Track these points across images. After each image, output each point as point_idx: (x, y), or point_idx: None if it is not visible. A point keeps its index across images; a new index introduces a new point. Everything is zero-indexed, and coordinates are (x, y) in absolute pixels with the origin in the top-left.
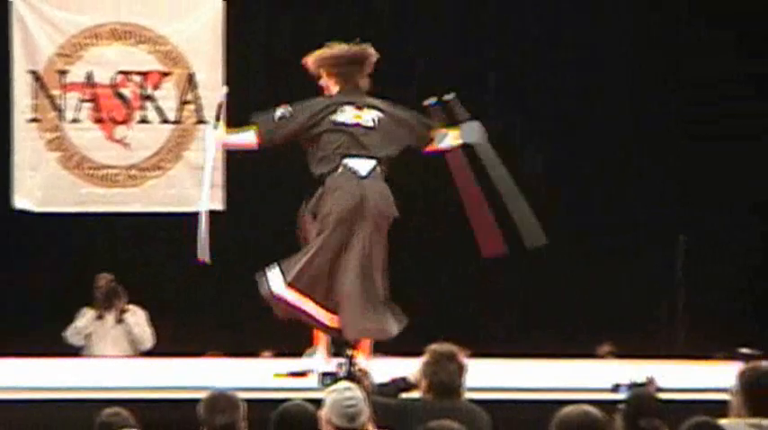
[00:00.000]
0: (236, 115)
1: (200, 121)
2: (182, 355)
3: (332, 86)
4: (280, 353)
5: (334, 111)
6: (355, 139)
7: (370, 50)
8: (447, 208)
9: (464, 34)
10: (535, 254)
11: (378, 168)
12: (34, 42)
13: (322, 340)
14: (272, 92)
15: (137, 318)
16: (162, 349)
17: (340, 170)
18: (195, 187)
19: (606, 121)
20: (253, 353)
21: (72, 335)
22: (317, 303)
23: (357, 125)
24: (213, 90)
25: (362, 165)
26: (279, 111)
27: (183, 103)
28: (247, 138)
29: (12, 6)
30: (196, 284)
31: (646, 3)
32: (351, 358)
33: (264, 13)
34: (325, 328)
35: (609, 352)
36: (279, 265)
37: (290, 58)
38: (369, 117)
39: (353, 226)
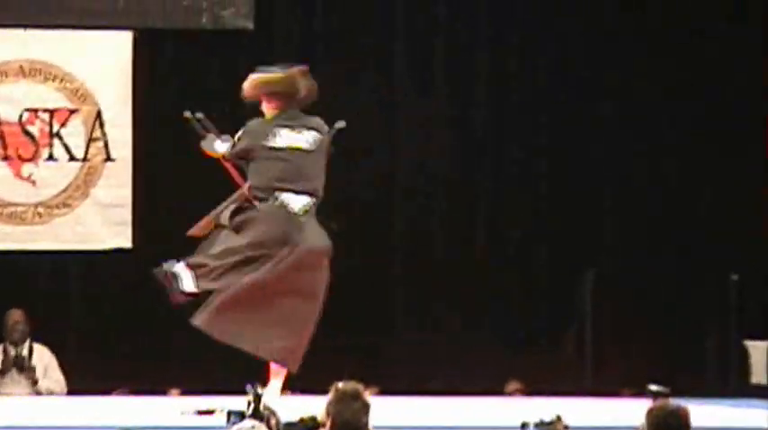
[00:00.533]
0: (143, 151)
1: (108, 159)
2: (90, 393)
3: (270, 110)
4: (187, 391)
5: (271, 135)
6: (292, 167)
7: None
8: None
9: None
10: (439, 288)
11: (312, 205)
12: None
13: (279, 374)
14: (180, 130)
15: (50, 369)
16: (70, 387)
17: (271, 202)
18: (102, 225)
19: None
20: (160, 390)
21: None
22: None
23: (294, 150)
24: (121, 127)
25: (296, 201)
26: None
27: (91, 140)
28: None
29: None
30: (103, 321)
31: None
32: (258, 396)
33: (173, 49)
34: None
35: (517, 389)
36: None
37: (199, 93)
38: (304, 139)
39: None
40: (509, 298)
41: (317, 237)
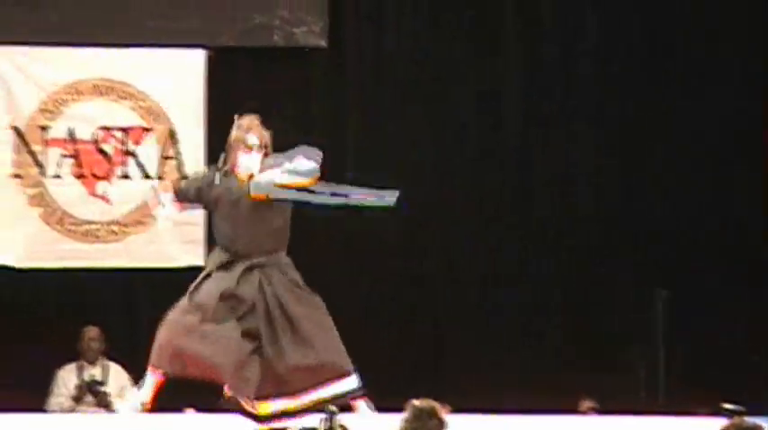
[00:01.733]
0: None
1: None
2: (162, 411)
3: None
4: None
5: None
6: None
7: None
8: (420, 263)
9: None
10: (512, 308)
11: None
12: (16, 98)
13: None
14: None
15: (121, 384)
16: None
17: None
18: (175, 243)
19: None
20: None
21: (61, 403)
22: None
23: None
24: (194, 146)
25: None
26: None
27: (165, 158)
28: None
29: None
30: None
31: None
32: (332, 415)
33: (246, 67)
34: None
35: (590, 407)
36: None
37: (272, 111)
38: None
39: None
40: (582, 315)
41: None
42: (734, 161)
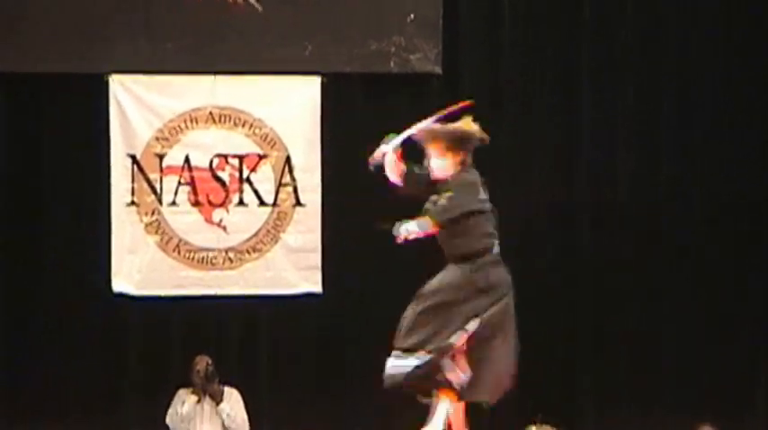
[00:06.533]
0: (332, 196)
1: (298, 204)
2: None
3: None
4: None
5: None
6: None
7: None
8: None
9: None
10: (623, 323)
11: None
12: (132, 126)
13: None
14: (368, 174)
15: (233, 402)
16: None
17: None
18: (292, 269)
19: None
20: None
21: (174, 421)
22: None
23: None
24: (310, 172)
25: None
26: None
27: (281, 185)
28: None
29: (110, 91)
30: (294, 367)
31: None
32: None
33: (361, 94)
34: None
35: None
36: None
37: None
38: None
39: None
40: (702, 342)
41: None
42: None
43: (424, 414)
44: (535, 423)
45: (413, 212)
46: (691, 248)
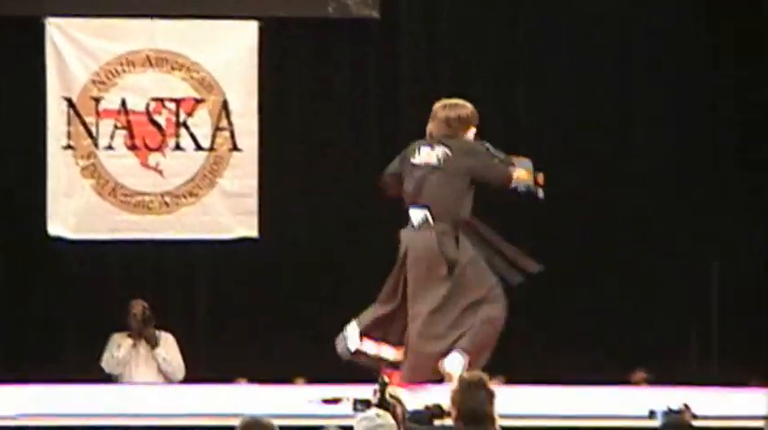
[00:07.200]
0: (269, 141)
1: (234, 148)
2: (212, 382)
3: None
4: (313, 380)
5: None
6: (419, 184)
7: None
8: None
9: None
10: (566, 279)
11: (428, 218)
12: (69, 70)
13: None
14: (306, 120)
15: (168, 347)
16: (192, 376)
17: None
18: (229, 214)
19: (645, 140)
20: (286, 379)
21: (110, 364)
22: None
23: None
24: (247, 117)
25: (416, 215)
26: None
27: (218, 129)
28: None
29: (46, 34)
30: (229, 311)
31: None
32: (384, 385)
33: (298, 38)
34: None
35: (643, 378)
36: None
37: (325, 82)
38: (435, 154)
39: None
40: (636, 289)
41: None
42: None
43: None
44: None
45: (346, 162)
46: (628, 201)
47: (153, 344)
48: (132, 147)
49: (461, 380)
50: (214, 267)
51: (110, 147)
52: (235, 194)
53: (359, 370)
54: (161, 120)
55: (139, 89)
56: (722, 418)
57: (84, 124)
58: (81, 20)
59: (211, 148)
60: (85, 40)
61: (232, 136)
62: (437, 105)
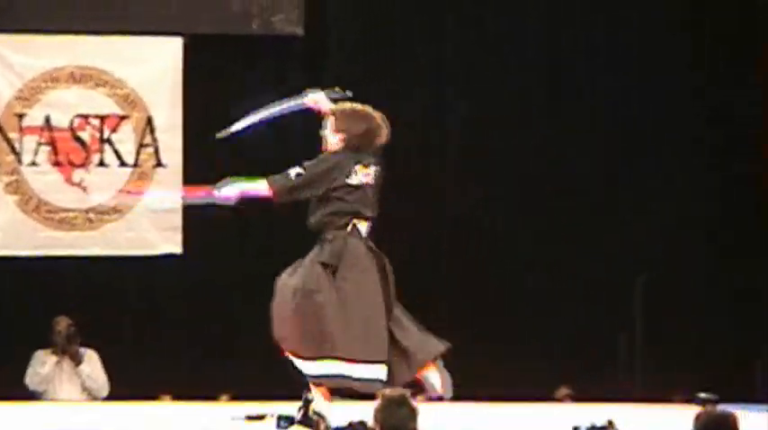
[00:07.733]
0: (193, 157)
1: (159, 164)
2: (136, 399)
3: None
4: (237, 397)
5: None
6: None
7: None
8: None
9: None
10: (488, 295)
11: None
12: None
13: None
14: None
15: (92, 364)
16: (116, 393)
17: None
18: (153, 230)
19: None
20: (211, 396)
21: (34, 381)
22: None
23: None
24: (171, 133)
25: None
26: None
27: (142, 146)
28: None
29: None
30: (154, 327)
31: None
32: (308, 402)
33: (223, 55)
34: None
35: (567, 395)
36: None
37: (250, 99)
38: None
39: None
40: (559, 304)
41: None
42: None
43: (282, 375)
44: None
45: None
46: (554, 214)
47: (77, 361)
48: (56, 164)
49: (383, 397)
50: (139, 283)
51: (33, 164)
52: (158, 211)
53: (283, 386)
54: (85, 136)
55: (63, 105)
56: None
57: (8, 140)
58: (4, 35)
59: (135, 164)
60: (9, 55)
61: (156, 152)
62: None
